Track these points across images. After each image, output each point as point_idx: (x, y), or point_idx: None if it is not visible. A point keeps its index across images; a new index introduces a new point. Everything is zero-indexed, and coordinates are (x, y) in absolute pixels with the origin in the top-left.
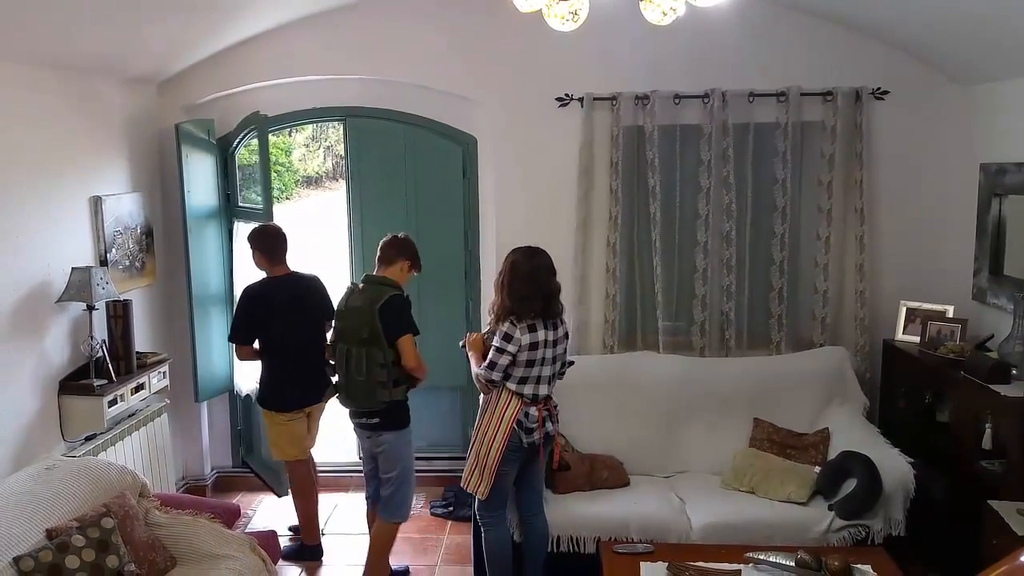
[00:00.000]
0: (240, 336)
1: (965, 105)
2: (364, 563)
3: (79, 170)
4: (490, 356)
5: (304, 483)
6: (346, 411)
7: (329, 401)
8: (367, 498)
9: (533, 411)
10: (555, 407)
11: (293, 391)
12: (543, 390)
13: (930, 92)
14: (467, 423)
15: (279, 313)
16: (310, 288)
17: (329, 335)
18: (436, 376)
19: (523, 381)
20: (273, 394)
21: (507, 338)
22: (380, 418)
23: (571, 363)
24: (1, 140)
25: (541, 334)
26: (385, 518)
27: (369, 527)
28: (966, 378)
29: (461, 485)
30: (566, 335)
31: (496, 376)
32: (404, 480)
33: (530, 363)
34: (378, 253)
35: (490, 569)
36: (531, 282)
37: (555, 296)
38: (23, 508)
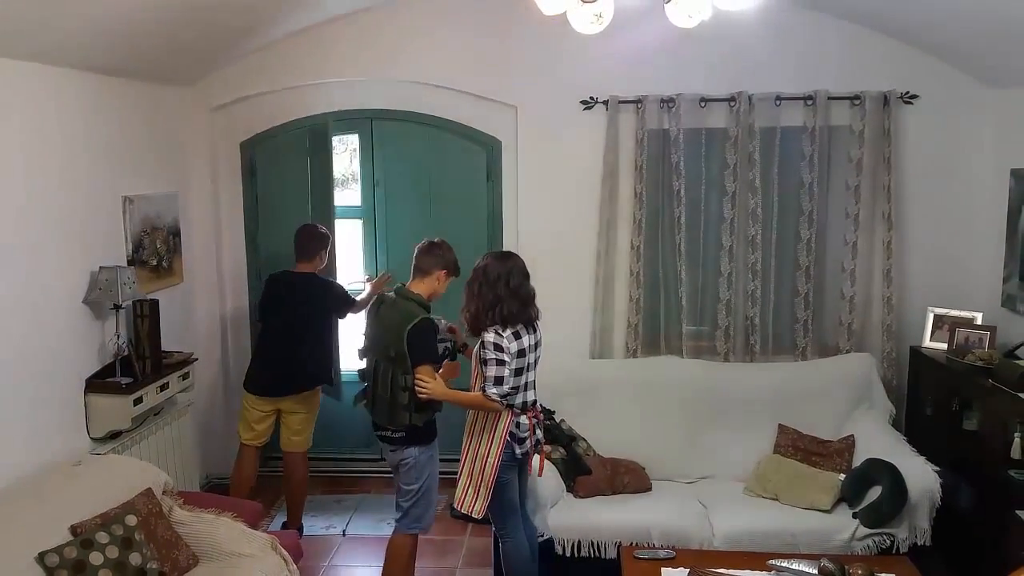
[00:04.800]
0: (258, 315)
1: (996, 109)
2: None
3: (108, 170)
4: (492, 372)
5: (239, 471)
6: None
7: (315, 401)
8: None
9: (524, 420)
10: (541, 413)
11: (263, 377)
12: (531, 396)
13: (960, 96)
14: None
15: (275, 304)
16: (310, 289)
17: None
18: (455, 381)
19: (513, 390)
20: (248, 374)
21: (498, 348)
22: (405, 432)
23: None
24: (33, 140)
25: (525, 340)
26: (402, 529)
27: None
28: (995, 386)
29: (455, 505)
30: (541, 336)
31: (508, 388)
32: (425, 493)
33: (519, 371)
34: (413, 262)
35: None
36: (503, 286)
37: (531, 301)
38: (48, 505)
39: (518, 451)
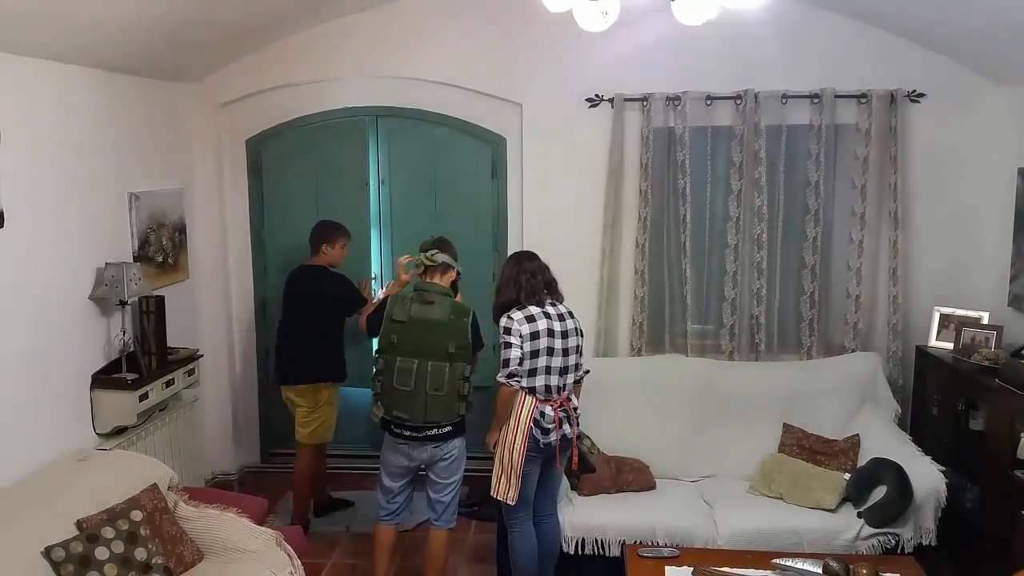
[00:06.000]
0: None
1: (1004, 107)
2: None
3: (115, 166)
4: (502, 356)
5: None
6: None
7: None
8: (392, 514)
9: (549, 410)
10: (574, 409)
11: (278, 367)
12: (554, 381)
13: (967, 94)
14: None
15: (287, 297)
16: (312, 284)
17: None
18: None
19: (531, 374)
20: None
21: (507, 331)
22: (452, 427)
23: (587, 372)
24: (39, 136)
25: (542, 323)
26: (443, 525)
27: (379, 547)
28: (1001, 386)
29: (492, 494)
30: (578, 331)
31: (512, 368)
32: (460, 483)
33: (534, 353)
34: (427, 262)
35: (515, 570)
36: (515, 284)
37: (538, 284)
38: (54, 499)
39: (542, 440)
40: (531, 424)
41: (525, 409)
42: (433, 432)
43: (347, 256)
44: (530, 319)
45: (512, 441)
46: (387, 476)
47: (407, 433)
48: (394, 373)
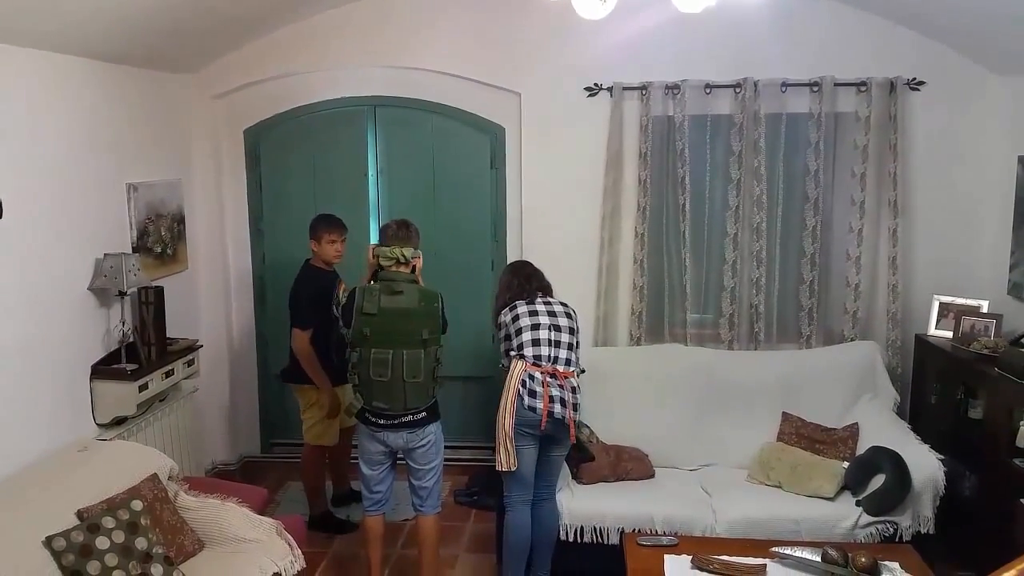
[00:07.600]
0: None
1: (1004, 96)
2: (424, 567)
3: (113, 157)
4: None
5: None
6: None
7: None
8: (377, 504)
9: (537, 374)
10: (573, 390)
11: None
12: (544, 351)
13: (967, 82)
14: (492, 413)
15: None
16: (295, 279)
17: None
18: (462, 367)
19: (520, 347)
20: None
21: (497, 328)
22: (427, 411)
23: (582, 371)
24: (37, 127)
25: (521, 308)
26: (428, 511)
27: (371, 539)
28: (1000, 374)
29: (497, 469)
30: (568, 315)
31: (503, 354)
32: (442, 467)
33: (518, 331)
34: (401, 250)
35: (506, 550)
36: (507, 289)
37: (531, 288)
38: (55, 490)
39: (527, 402)
40: (519, 387)
41: (516, 374)
42: (408, 419)
43: (343, 251)
44: (511, 308)
45: (504, 407)
46: (365, 464)
47: (382, 421)
48: (370, 365)
